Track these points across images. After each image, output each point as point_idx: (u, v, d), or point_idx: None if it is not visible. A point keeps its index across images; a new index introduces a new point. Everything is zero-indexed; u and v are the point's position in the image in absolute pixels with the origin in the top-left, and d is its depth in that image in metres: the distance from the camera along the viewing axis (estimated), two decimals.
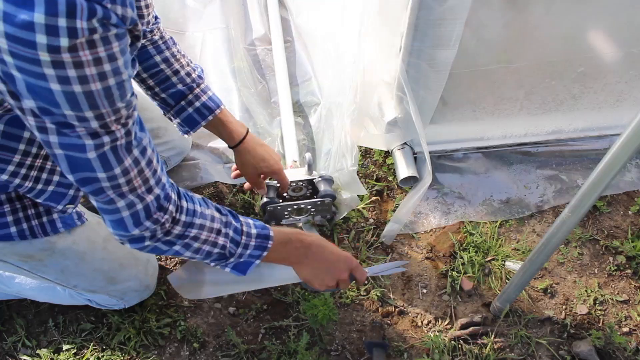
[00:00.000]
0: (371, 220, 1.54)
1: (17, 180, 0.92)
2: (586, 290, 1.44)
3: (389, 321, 1.38)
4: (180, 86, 1.20)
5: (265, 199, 1.41)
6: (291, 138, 1.65)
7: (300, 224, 1.47)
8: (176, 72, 1.19)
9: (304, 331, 1.35)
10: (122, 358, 1.31)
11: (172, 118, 1.26)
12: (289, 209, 1.43)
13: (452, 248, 1.50)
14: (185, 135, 1.29)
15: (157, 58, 1.17)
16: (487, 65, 1.37)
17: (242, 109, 1.76)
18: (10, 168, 0.90)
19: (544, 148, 1.70)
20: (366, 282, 1.40)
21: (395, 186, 1.62)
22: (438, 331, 1.36)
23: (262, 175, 1.36)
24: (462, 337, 1.35)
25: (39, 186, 0.96)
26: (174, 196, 0.86)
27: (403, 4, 1.19)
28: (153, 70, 1.18)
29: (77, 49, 0.61)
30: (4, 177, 0.91)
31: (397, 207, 1.55)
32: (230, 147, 1.32)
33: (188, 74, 1.21)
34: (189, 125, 1.25)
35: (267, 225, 1.01)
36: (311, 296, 1.39)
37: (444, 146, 1.66)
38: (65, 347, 1.32)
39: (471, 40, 1.27)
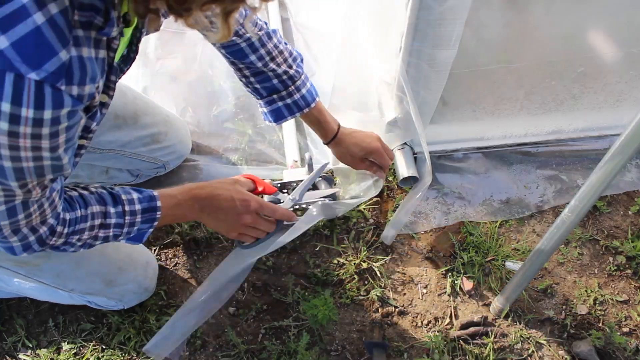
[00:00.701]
0: (371, 220, 1.54)
1: None
2: (586, 291, 1.44)
3: (389, 321, 1.38)
4: (275, 81, 1.19)
5: (265, 199, 1.40)
6: (291, 138, 1.65)
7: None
8: (272, 70, 1.18)
9: (304, 331, 1.35)
10: (122, 358, 1.31)
11: (260, 105, 1.26)
12: (289, 209, 1.43)
13: (452, 248, 1.50)
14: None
15: (252, 57, 1.15)
16: (487, 65, 1.37)
17: (243, 109, 1.76)
18: None
19: (544, 148, 1.70)
20: (296, 208, 1.33)
21: (395, 186, 1.62)
22: (438, 331, 1.36)
23: (365, 160, 1.34)
24: (462, 337, 1.35)
25: None
26: (62, 214, 0.85)
27: (403, 4, 1.19)
28: (249, 66, 1.17)
29: (18, 135, 0.59)
30: None
31: (397, 207, 1.55)
32: (325, 144, 1.33)
33: (285, 72, 1.19)
34: (275, 117, 1.25)
35: (154, 194, 0.99)
36: (311, 296, 1.39)
37: (444, 146, 1.66)
38: (65, 347, 1.32)
39: (471, 40, 1.27)
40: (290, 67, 1.20)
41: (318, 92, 1.26)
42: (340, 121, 1.33)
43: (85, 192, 0.92)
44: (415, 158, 1.59)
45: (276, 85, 1.20)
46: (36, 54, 0.56)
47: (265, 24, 1.18)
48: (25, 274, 1.13)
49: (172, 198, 1.02)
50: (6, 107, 0.56)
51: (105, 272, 1.20)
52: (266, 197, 1.23)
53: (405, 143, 1.59)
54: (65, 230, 0.86)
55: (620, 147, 0.84)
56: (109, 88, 0.82)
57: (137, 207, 0.97)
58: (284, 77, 1.19)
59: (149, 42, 1.89)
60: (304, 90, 1.22)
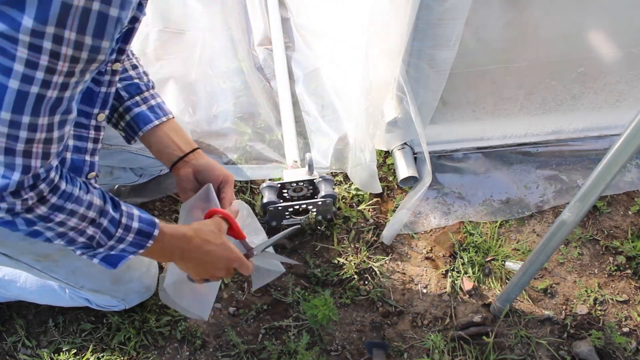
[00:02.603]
0: (371, 220, 1.54)
1: None
2: (586, 291, 1.44)
3: (389, 321, 1.38)
4: (137, 81, 1.08)
5: (265, 200, 1.41)
6: (291, 138, 1.65)
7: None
8: (134, 67, 1.09)
9: (304, 331, 1.35)
10: (122, 358, 1.31)
11: (117, 120, 1.10)
12: (289, 210, 1.43)
13: (452, 248, 1.50)
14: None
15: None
16: (487, 66, 1.37)
17: (243, 109, 1.76)
18: None
19: (544, 148, 1.70)
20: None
21: (395, 186, 1.62)
22: (438, 331, 1.36)
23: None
24: (462, 337, 1.35)
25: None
26: (52, 174, 0.76)
27: (403, 4, 1.19)
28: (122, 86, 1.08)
29: None
30: None
31: (397, 207, 1.55)
32: (180, 158, 1.11)
33: (145, 73, 1.11)
34: (138, 123, 1.09)
35: (156, 222, 0.91)
36: (311, 296, 1.39)
37: (444, 146, 1.66)
38: (65, 347, 1.32)
39: (471, 40, 1.27)
40: (148, 74, 1.12)
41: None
42: (342, 121, 1.33)
43: (79, 181, 0.85)
44: (415, 158, 1.59)
45: (139, 84, 1.08)
46: None
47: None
48: (42, 269, 1.11)
49: (166, 236, 0.94)
50: None
51: (115, 271, 1.19)
52: (231, 240, 1.08)
53: (405, 143, 1.60)
54: (53, 200, 0.77)
55: (620, 147, 0.84)
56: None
57: (135, 224, 0.90)
58: (145, 79, 1.09)
59: (148, 42, 1.89)
60: (159, 99, 1.11)
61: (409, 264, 1.48)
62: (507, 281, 1.44)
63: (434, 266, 1.48)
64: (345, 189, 1.59)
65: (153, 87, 1.12)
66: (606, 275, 1.48)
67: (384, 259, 1.48)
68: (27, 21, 0.59)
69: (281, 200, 1.43)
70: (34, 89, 0.64)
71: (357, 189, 1.58)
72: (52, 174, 0.76)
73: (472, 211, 1.58)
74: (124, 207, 0.89)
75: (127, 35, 0.84)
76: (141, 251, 0.92)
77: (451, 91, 1.42)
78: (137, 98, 1.08)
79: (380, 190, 1.56)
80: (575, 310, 1.41)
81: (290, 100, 1.75)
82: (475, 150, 1.68)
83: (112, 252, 0.90)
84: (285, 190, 1.46)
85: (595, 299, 1.43)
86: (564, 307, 1.42)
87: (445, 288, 1.44)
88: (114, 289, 1.23)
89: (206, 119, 1.73)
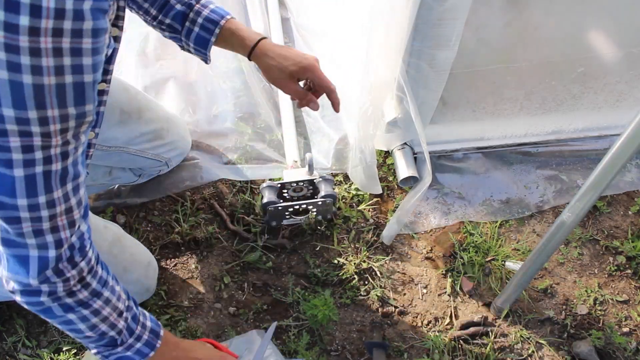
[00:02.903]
0: (371, 220, 1.54)
1: None
2: (586, 291, 1.44)
3: (389, 321, 1.38)
4: (178, 6, 1.10)
5: (265, 200, 1.41)
6: (291, 138, 1.65)
7: None
8: None
9: (304, 331, 1.35)
10: None
11: (187, 46, 1.16)
12: (289, 210, 1.43)
13: (452, 248, 1.50)
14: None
15: None
16: (487, 66, 1.37)
17: (243, 109, 1.76)
18: None
19: (544, 148, 1.70)
20: None
21: (395, 186, 1.62)
22: (438, 331, 1.36)
23: (299, 81, 1.15)
24: (462, 337, 1.35)
25: None
26: (90, 254, 0.77)
27: (403, 4, 1.19)
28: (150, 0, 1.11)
29: (39, 33, 0.54)
30: None
31: (397, 207, 1.55)
32: (248, 57, 1.14)
33: None
34: (202, 46, 1.14)
35: (160, 324, 0.94)
36: (311, 296, 1.39)
37: (444, 146, 1.66)
38: (65, 347, 1.32)
39: (471, 40, 1.27)
40: None
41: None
42: (342, 121, 1.33)
43: (109, 269, 0.87)
44: (415, 158, 1.59)
45: (182, 10, 1.11)
46: None
47: None
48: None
49: (170, 338, 0.96)
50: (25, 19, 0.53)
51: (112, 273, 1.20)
52: None
53: (405, 143, 1.60)
54: (93, 284, 0.78)
55: (620, 147, 0.84)
56: (117, 19, 0.79)
57: (148, 323, 0.91)
58: None
59: (148, 42, 1.89)
60: (212, 6, 1.12)
61: (409, 264, 1.48)
62: (507, 281, 1.44)
63: (434, 266, 1.48)
64: (345, 189, 1.59)
65: (198, 1, 1.11)
66: (606, 275, 1.48)
67: (384, 259, 1.48)
68: (8, 111, 0.59)
69: (281, 200, 1.43)
70: (39, 169, 0.64)
71: (357, 189, 1.58)
72: (87, 245, 0.76)
73: (472, 211, 1.58)
74: (138, 306, 0.91)
75: (111, 56, 0.83)
76: (152, 353, 0.90)
77: (451, 91, 1.42)
78: (187, 24, 1.11)
79: (381, 191, 1.56)
80: (575, 310, 1.41)
81: (290, 100, 1.75)
82: (475, 150, 1.68)
83: (128, 353, 0.88)
84: (285, 190, 1.46)
85: (595, 299, 1.43)
86: (564, 307, 1.42)
87: (445, 288, 1.44)
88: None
89: (206, 119, 1.73)
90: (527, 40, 1.31)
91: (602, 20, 1.31)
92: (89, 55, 0.60)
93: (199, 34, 1.12)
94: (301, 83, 1.17)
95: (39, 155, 0.63)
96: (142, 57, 1.87)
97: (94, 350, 0.88)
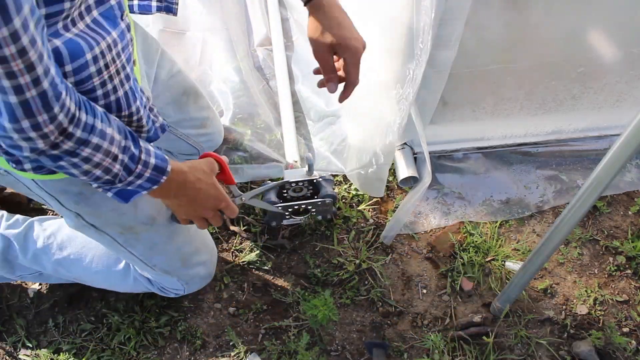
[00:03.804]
0: (371, 221, 1.54)
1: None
2: (586, 291, 1.44)
3: (389, 321, 1.38)
4: None
5: (265, 199, 1.41)
6: (291, 138, 1.65)
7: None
8: None
9: (304, 331, 1.35)
10: (122, 358, 1.31)
11: None
12: (289, 210, 1.43)
13: (452, 248, 1.50)
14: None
15: None
16: (487, 66, 1.37)
17: (242, 109, 1.76)
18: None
19: (544, 148, 1.70)
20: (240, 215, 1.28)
21: (395, 186, 1.62)
22: (438, 331, 1.36)
23: (334, 57, 1.08)
24: (462, 337, 1.35)
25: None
26: (69, 103, 0.70)
27: (403, 4, 1.19)
28: None
29: None
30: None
31: (397, 207, 1.55)
32: (304, 3, 1.08)
33: None
34: None
35: (167, 158, 0.90)
36: (311, 296, 1.39)
37: (444, 146, 1.66)
38: (65, 347, 1.32)
39: (471, 40, 1.27)
40: None
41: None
42: (342, 121, 1.33)
43: (99, 109, 0.80)
44: (415, 158, 1.59)
45: None
46: None
47: None
48: (123, 242, 1.11)
49: (176, 173, 0.93)
50: None
51: (187, 251, 1.22)
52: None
53: (405, 143, 1.59)
54: (78, 134, 0.73)
55: (620, 147, 0.84)
56: None
57: (152, 160, 0.87)
58: None
59: None
60: None
61: (409, 264, 1.48)
62: (507, 281, 1.44)
63: (434, 266, 1.48)
64: (345, 189, 1.59)
65: None
66: (606, 275, 1.48)
67: (384, 259, 1.48)
68: None
69: (281, 200, 1.43)
70: None
71: (357, 189, 1.58)
72: (62, 92, 0.68)
73: (472, 211, 1.58)
74: (141, 143, 0.86)
75: None
76: (155, 187, 0.89)
77: (451, 91, 1.42)
78: None
79: (383, 194, 1.56)
80: (575, 310, 1.41)
81: (290, 100, 1.75)
82: (475, 150, 1.68)
83: (129, 188, 0.88)
84: (285, 190, 1.46)
85: (595, 299, 1.43)
86: (564, 307, 1.42)
87: (445, 288, 1.44)
88: (182, 271, 1.25)
89: None
90: (527, 40, 1.31)
91: (602, 20, 1.31)
92: None
93: None
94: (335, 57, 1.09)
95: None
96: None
97: (94, 185, 0.86)
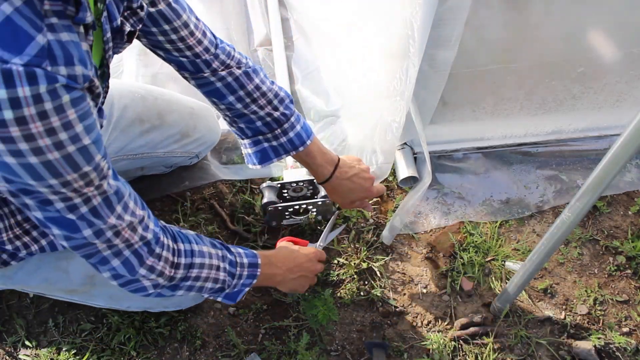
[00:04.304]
0: (371, 221, 1.54)
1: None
2: (586, 291, 1.44)
3: (389, 321, 1.38)
4: (259, 123, 1.14)
5: (265, 200, 1.41)
6: None
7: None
8: (254, 112, 1.12)
9: (304, 331, 1.35)
10: (122, 358, 1.31)
11: (245, 147, 1.21)
12: (289, 210, 1.43)
13: (452, 248, 1.50)
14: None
15: (231, 98, 1.10)
16: (487, 66, 1.37)
17: None
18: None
19: (544, 148, 1.70)
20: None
21: (395, 186, 1.62)
22: (438, 331, 1.36)
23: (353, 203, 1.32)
24: (462, 337, 1.35)
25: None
26: (167, 241, 0.85)
27: (403, 3, 1.19)
28: (229, 107, 1.13)
29: (26, 120, 0.58)
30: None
31: (397, 207, 1.55)
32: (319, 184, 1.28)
33: (269, 114, 1.13)
34: (260, 158, 1.19)
35: (256, 253, 1.03)
36: (311, 296, 1.39)
37: (444, 146, 1.66)
38: (65, 347, 1.32)
39: (471, 40, 1.27)
40: (275, 109, 1.13)
41: (312, 131, 1.21)
42: (342, 121, 1.33)
43: (189, 231, 0.94)
44: (415, 158, 1.59)
45: (260, 128, 1.15)
46: (14, 40, 0.55)
47: (248, 60, 1.12)
48: (80, 300, 1.15)
49: (266, 258, 1.08)
50: (2, 94, 0.55)
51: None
52: None
53: (405, 143, 1.59)
54: (183, 261, 0.87)
55: (620, 147, 0.84)
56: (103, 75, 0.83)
57: (245, 260, 1.00)
58: (268, 119, 1.13)
59: None
60: (291, 134, 1.16)
61: (409, 264, 1.48)
62: (507, 281, 1.44)
63: (434, 266, 1.48)
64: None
65: (280, 125, 1.16)
66: (606, 275, 1.48)
67: (384, 259, 1.48)
68: (32, 182, 0.64)
69: (281, 200, 1.43)
70: (84, 210, 0.72)
71: None
72: (160, 236, 0.84)
73: (472, 211, 1.58)
74: (232, 248, 1.00)
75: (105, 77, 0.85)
76: (254, 281, 1.03)
77: (451, 91, 1.42)
78: (260, 137, 1.18)
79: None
80: (575, 310, 1.41)
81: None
82: (475, 150, 1.68)
83: (235, 289, 1.02)
84: (285, 190, 1.46)
85: (595, 299, 1.43)
86: (564, 307, 1.42)
87: (445, 288, 1.44)
88: (165, 302, 1.24)
89: None
90: (527, 40, 1.31)
91: (602, 20, 1.31)
92: (78, 123, 0.63)
93: (265, 149, 1.19)
94: None
95: (78, 200, 0.70)
96: (143, 56, 1.87)
97: (206, 295, 1.00)
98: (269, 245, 1.48)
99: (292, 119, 1.16)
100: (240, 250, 1.01)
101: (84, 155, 0.66)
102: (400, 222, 1.45)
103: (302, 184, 1.44)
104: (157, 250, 0.83)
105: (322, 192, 1.43)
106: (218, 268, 0.93)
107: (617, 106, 1.59)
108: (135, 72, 1.82)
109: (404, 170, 1.54)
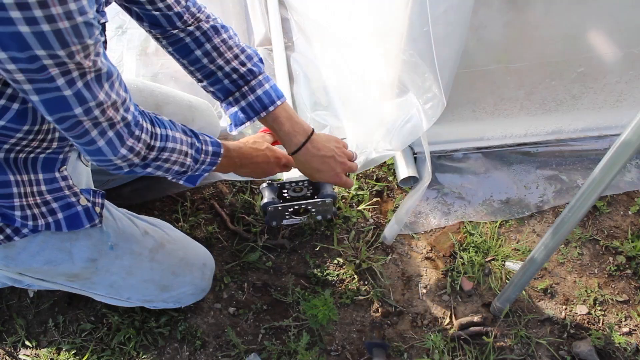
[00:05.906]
0: (371, 221, 1.54)
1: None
2: (586, 291, 1.44)
3: (389, 321, 1.38)
4: (226, 82, 1.13)
5: (265, 200, 1.41)
6: None
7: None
8: (220, 68, 1.12)
9: (304, 331, 1.35)
10: (122, 358, 1.31)
11: (224, 111, 1.21)
12: (289, 210, 1.43)
13: (452, 248, 1.50)
14: (234, 130, 1.22)
15: (198, 52, 1.10)
16: (487, 66, 1.37)
17: None
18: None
19: (544, 148, 1.70)
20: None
21: (395, 186, 1.62)
22: (438, 331, 1.36)
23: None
24: (462, 337, 1.35)
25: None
26: (145, 124, 0.89)
27: (403, 3, 1.19)
28: (197, 65, 1.13)
29: None
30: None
31: (397, 207, 1.55)
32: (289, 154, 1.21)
33: (235, 70, 1.12)
34: (234, 121, 1.19)
35: (220, 143, 1.06)
36: (311, 296, 1.39)
37: (444, 146, 1.66)
38: (65, 347, 1.32)
39: (471, 40, 1.27)
40: (242, 64, 1.12)
41: (283, 94, 1.18)
42: (342, 122, 1.32)
43: (165, 118, 0.97)
44: (415, 158, 1.59)
45: (228, 86, 1.14)
46: None
47: (219, 18, 1.13)
48: (80, 287, 1.13)
49: (228, 150, 1.10)
50: None
51: (159, 279, 1.19)
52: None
53: None
54: (157, 144, 0.91)
55: (620, 147, 0.84)
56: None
57: (210, 148, 1.03)
58: (234, 75, 1.12)
59: (150, 42, 1.89)
60: (259, 91, 1.14)
61: (409, 264, 1.48)
62: (507, 281, 1.44)
63: (434, 266, 1.48)
64: (345, 188, 1.59)
65: (247, 82, 1.16)
66: (606, 275, 1.48)
67: (384, 259, 1.48)
68: (40, 51, 0.68)
69: (281, 200, 1.43)
70: (80, 84, 0.76)
71: (356, 189, 1.58)
72: (139, 119, 0.88)
73: (472, 211, 1.58)
74: (199, 135, 1.03)
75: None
76: (214, 168, 1.07)
77: (451, 91, 1.41)
78: (230, 99, 1.17)
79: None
80: (575, 310, 1.41)
81: (291, 100, 1.75)
82: (475, 150, 1.68)
83: (196, 173, 1.06)
84: (285, 190, 1.46)
85: (595, 299, 1.43)
86: (564, 307, 1.42)
87: (445, 288, 1.44)
88: (165, 295, 1.23)
89: None
90: (527, 40, 1.31)
91: (602, 20, 1.31)
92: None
93: (236, 113, 1.19)
94: None
95: (76, 74, 0.74)
96: (143, 56, 1.87)
97: (169, 177, 1.03)
98: (269, 246, 1.48)
99: (261, 78, 1.15)
100: (207, 138, 1.05)
101: (88, 28, 0.71)
102: (400, 222, 1.45)
103: (302, 184, 1.44)
104: (137, 132, 0.87)
105: (322, 192, 1.43)
106: (186, 154, 0.98)
107: (617, 106, 1.59)
108: (135, 72, 1.83)
109: (404, 170, 1.54)
